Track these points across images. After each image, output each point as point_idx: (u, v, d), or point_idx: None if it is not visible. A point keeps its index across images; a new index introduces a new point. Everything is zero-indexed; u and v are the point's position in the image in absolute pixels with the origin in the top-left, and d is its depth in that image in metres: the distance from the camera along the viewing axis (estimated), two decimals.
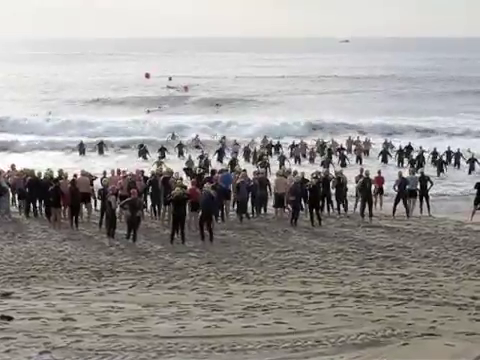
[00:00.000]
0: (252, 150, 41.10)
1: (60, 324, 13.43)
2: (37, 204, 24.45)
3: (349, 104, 71.45)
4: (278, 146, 43.52)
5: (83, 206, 23.69)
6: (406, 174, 26.02)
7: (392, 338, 12.81)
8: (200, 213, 21.30)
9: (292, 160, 39.91)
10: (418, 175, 25.72)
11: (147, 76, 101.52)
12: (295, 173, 25.12)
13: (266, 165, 33.01)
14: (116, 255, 19.36)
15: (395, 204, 24.72)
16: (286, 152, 41.80)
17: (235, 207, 24.32)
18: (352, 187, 25.90)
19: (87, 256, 19.17)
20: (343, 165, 37.64)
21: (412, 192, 24.98)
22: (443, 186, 32.57)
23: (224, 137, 46.34)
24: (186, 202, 21.09)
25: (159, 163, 31.17)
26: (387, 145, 42.67)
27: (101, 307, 14.50)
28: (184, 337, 12.79)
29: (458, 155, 39.40)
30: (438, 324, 13.42)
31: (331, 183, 24.87)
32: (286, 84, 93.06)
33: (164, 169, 25.80)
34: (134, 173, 25.05)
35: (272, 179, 25.60)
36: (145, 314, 14.08)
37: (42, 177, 24.43)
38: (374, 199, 25.30)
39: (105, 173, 25.14)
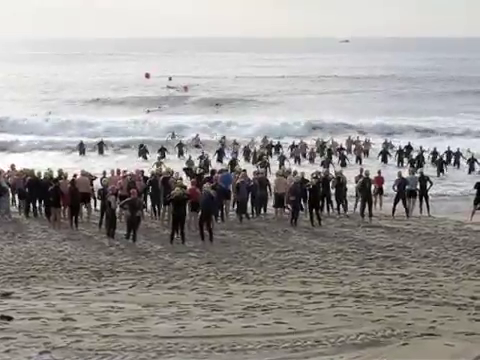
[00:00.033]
0: (252, 150, 41.12)
1: (60, 324, 13.43)
2: (37, 204, 24.45)
3: (349, 104, 71.49)
4: (278, 146, 43.54)
5: (83, 206, 23.69)
6: (406, 174, 26.02)
7: (392, 338, 12.81)
8: (200, 213, 21.31)
9: (292, 160, 39.93)
10: (418, 175, 25.72)
11: (147, 76, 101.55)
12: (295, 173, 25.13)
13: (266, 165, 33.04)
14: (116, 255, 19.36)
15: (394, 204, 24.72)
16: (286, 152, 41.82)
17: (235, 207, 24.33)
18: (352, 187, 25.90)
19: (87, 256, 19.17)
20: (343, 165, 37.67)
21: (412, 192, 24.98)
22: (443, 186, 32.58)
23: (224, 137, 46.38)
24: (186, 202, 21.09)
25: (159, 163, 31.19)
26: (387, 145, 42.70)
27: (101, 307, 14.50)
28: (184, 337, 12.79)
29: (458, 155, 39.44)
30: (438, 324, 13.42)
31: (331, 183, 24.88)
32: (286, 84, 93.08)
33: (164, 169, 25.80)
34: (134, 173, 25.07)
35: (272, 179, 25.59)
36: (145, 314, 14.08)
37: (42, 177, 24.44)
38: (374, 199, 25.30)
39: (105, 173, 25.15)
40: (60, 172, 24.58)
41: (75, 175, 23.85)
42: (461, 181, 33.96)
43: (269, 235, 21.87)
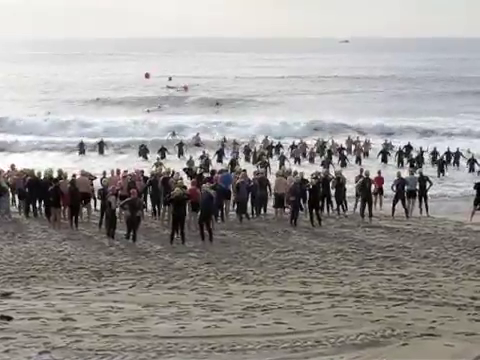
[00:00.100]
0: (252, 150, 41.15)
1: (60, 324, 13.44)
2: (37, 204, 24.45)
3: (349, 104, 71.50)
4: (278, 146, 43.53)
5: (83, 206, 23.69)
6: (405, 174, 26.02)
7: (392, 338, 12.81)
8: (199, 213, 21.31)
9: (292, 160, 39.93)
10: (417, 175, 25.71)
11: (147, 76, 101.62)
12: (295, 173, 25.14)
13: (266, 165, 33.03)
14: (116, 255, 19.36)
15: (394, 204, 24.73)
16: (286, 152, 41.82)
17: (235, 207, 24.32)
18: (351, 187, 25.91)
19: (87, 256, 19.17)
20: (343, 165, 37.68)
21: (411, 192, 24.98)
22: (443, 186, 32.59)
23: (225, 139, 46.35)
24: (186, 202, 21.10)
25: (158, 164, 31.18)
26: (387, 145, 42.69)
27: (101, 307, 14.50)
28: (184, 337, 12.79)
29: (458, 155, 39.46)
30: (437, 324, 13.43)
31: (331, 183, 24.88)
32: (286, 84, 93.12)
33: (163, 170, 25.79)
34: (134, 173, 25.07)
35: (272, 179, 25.59)
36: (145, 314, 14.09)
37: (42, 177, 24.44)
38: (374, 199, 25.30)
39: (105, 173, 25.15)
40: (60, 172, 24.58)
41: (74, 175, 23.85)
42: (461, 181, 33.95)
43: (269, 235, 21.87)
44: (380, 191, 26.06)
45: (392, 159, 40.03)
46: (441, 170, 36.32)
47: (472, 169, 37.23)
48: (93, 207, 24.40)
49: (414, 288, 15.94)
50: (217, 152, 40.65)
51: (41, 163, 34.40)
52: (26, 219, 24.24)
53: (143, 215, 22.24)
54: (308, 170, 29.60)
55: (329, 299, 15.14)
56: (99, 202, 23.27)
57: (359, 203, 24.73)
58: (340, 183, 24.95)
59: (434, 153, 39.45)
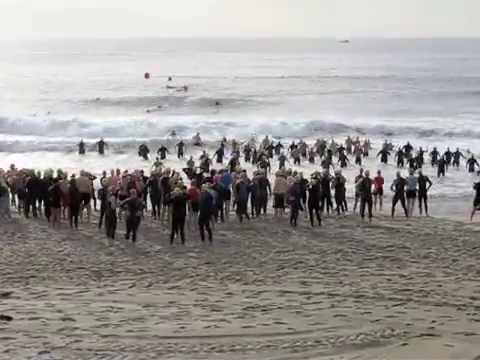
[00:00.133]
0: (252, 149, 41.16)
1: (59, 324, 13.44)
2: (37, 204, 24.45)
3: (349, 104, 71.49)
4: (279, 146, 43.54)
5: (83, 206, 23.68)
6: (405, 174, 26.02)
7: (391, 338, 12.81)
8: (199, 213, 21.31)
9: (292, 160, 39.93)
10: (417, 175, 25.71)
11: (147, 76, 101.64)
12: (295, 173, 25.14)
13: (265, 165, 33.03)
14: (116, 255, 19.36)
15: (393, 204, 24.73)
16: (286, 152, 41.83)
17: (235, 207, 24.32)
18: (351, 187, 25.91)
19: (87, 256, 19.17)
20: (343, 165, 37.68)
21: (411, 192, 24.98)
22: (443, 187, 32.61)
23: (225, 139, 46.36)
24: (186, 202, 21.11)
25: (158, 164, 31.19)
26: (387, 145, 42.70)
27: (101, 307, 14.50)
28: (184, 337, 12.79)
29: (457, 155, 39.48)
30: (437, 324, 13.43)
31: (330, 183, 24.88)
32: (286, 84, 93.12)
33: (163, 170, 25.77)
34: (134, 173, 25.07)
35: (272, 179, 25.59)
36: (145, 314, 14.08)
37: (42, 177, 24.43)
38: (374, 199, 25.29)
39: (105, 173, 25.16)
40: (60, 172, 24.58)
41: (73, 175, 23.85)
42: (461, 181, 33.96)
43: (269, 235, 21.87)
44: (380, 191, 26.05)
45: (392, 159, 40.05)
46: (441, 170, 36.34)
47: (472, 169, 37.26)
48: (93, 207, 24.40)
49: (414, 288, 15.94)
50: (217, 152, 40.68)
51: (41, 163, 34.38)
52: (26, 219, 24.24)
53: (143, 215, 22.23)
54: (308, 170, 29.62)
55: (329, 299, 15.14)
56: (99, 202, 23.27)
57: (359, 203, 24.74)
58: (340, 183, 24.96)
59: (434, 153, 39.47)
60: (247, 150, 41.35)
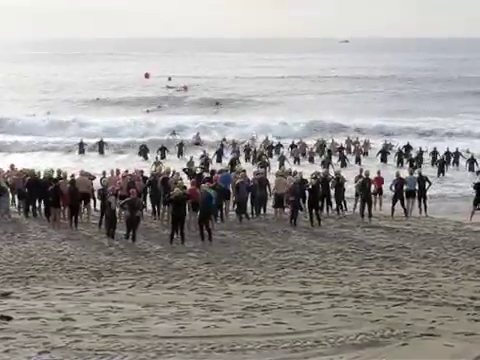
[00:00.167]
0: (252, 149, 41.17)
1: (59, 324, 13.44)
2: (36, 204, 24.45)
3: (349, 104, 71.47)
4: (279, 146, 43.54)
5: (83, 206, 23.68)
6: (405, 174, 26.02)
7: (391, 338, 12.81)
8: (198, 213, 21.32)
9: (291, 160, 39.94)
10: (416, 175, 25.72)
11: (146, 76, 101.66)
12: (294, 173, 25.14)
13: (265, 165, 33.03)
14: (115, 255, 19.36)
15: (393, 204, 24.74)
16: (286, 152, 41.84)
17: (235, 207, 24.32)
18: (351, 187, 25.91)
19: (86, 256, 19.17)
20: (343, 165, 37.68)
21: (411, 192, 24.99)
22: (443, 187, 32.61)
23: (224, 139, 46.37)
24: (186, 202, 21.11)
25: (157, 163, 31.21)
26: (387, 145, 42.70)
27: (100, 307, 14.50)
28: (183, 337, 12.79)
29: (457, 155, 39.49)
30: (437, 324, 13.43)
31: (330, 183, 24.89)
32: (285, 84, 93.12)
33: (163, 169, 25.77)
34: (133, 173, 25.07)
35: (272, 179, 25.59)
36: (144, 314, 14.08)
37: (41, 177, 24.44)
38: (373, 199, 25.29)
39: (105, 173, 25.16)
40: (59, 172, 24.58)
41: (72, 175, 23.86)
42: (460, 181, 33.96)
43: (269, 235, 21.87)
44: (380, 191, 26.06)
45: (392, 159, 40.05)
46: (441, 170, 36.36)
47: (472, 169, 37.26)
48: (93, 207, 24.40)
49: (414, 288, 15.94)
50: (216, 152, 40.70)
51: (41, 163, 34.38)
52: (25, 219, 24.24)
53: (143, 215, 22.23)
54: (308, 170, 29.61)
55: (329, 299, 15.14)
56: (99, 202, 23.27)
57: (359, 203, 24.74)
58: (339, 183, 24.96)
59: (434, 153, 39.47)
60: (247, 150, 41.36)
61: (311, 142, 44.17)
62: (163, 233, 21.95)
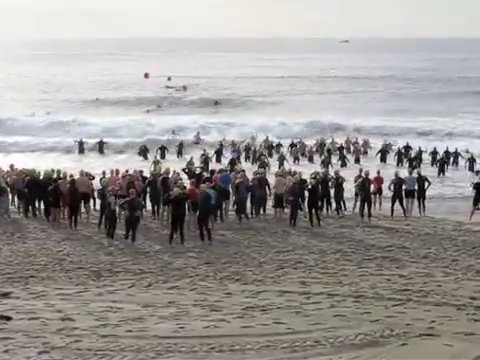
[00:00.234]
0: (252, 148, 41.16)
1: (59, 324, 13.44)
2: (36, 204, 24.45)
3: (348, 104, 71.45)
4: (279, 145, 43.53)
5: (82, 206, 23.68)
6: (404, 174, 26.02)
7: (391, 338, 12.82)
8: (197, 213, 21.32)
9: (291, 160, 39.94)
10: (415, 175, 25.71)
11: (146, 76, 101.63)
12: (294, 173, 25.14)
13: (264, 165, 33.03)
14: (115, 255, 19.36)
15: (392, 204, 24.74)
16: (286, 152, 41.84)
17: (234, 207, 24.32)
18: (350, 187, 25.91)
19: (86, 256, 19.17)
20: (343, 165, 37.67)
21: (410, 192, 24.99)
22: (443, 186, 32.61)
23: (224, 139, 46.34)
24: (185, 202, 21.11)
25: (156, 163, 31.21)
26: (386, 145, 42.68)
27: (100, 307, 14.50)
28: (183, 337, 12.79)
29: (456, 155, 39.49)
30: (437, 324, 13.43)
31: (330, 183, 24.89)
32: (285, 84, 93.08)
33: (163, 169, 25.75)
34: (133, 173, 25.08)
35: (272, 179, 25.58)
36: (144, 314, 14.09)
37: (41, 177, 24.44)
38: (373, 199, 25.29)
39: (104, 173, 25.16)
40: (59, 172, 24.58)
41: (72, 175, 23.86)
42: (460, 181, 33.95)
43: (268, 235, 21.87)
44: (379, 191, 26.05)
45: (391, 159, 40.05)
46: (441, 170, 36.37)
47: (471, 168, 37.26)
48: (92, 207, 24.40)
49: (413, 288, 15.94)
50: (215, 152, 40.71)
51: (40, 163, 34.37)
52: (25, 219, 24.25)
53: (142, 215, 22.23)
54: (307, 170, 29.61)
55: (328, 299, 15.14)
56: (98, 202, 23.28)
57: (358, 203, 24.74)
58: (339, 183, 24.96)
59: (434, 153, 39.47)
60: (247, 149, 41.35)
61: (310, 142, 44.15)
62: (163, 233, 21.96)
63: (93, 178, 24.97)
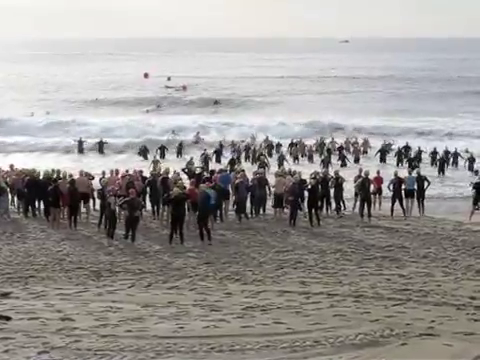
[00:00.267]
0: (252, 149, 41.16)
1: (59, 324, 13.44)
2: (36, 204, 24.45)
3: (348, 104, 71.47)
4: (278, 145, 43.52)
5: (82, 206, 23.68)
6: (404, 174, 26.02)
7: (391, 338, 12.81)
8: (197, 213, 21.31)
9: (291, 159, 39.94)
10: (415, 175, 25.71)
11: (146, 76, 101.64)
12: (294, 173, 25.14)
13: (264, 165, 33.02)
14: (115, 255, 19.36)
15: (392, 204, 24.74)
16: (285, 151, 41.84)
17: (234, 207, 24.32)
18: (349, 187, 25.90)
19: (86, 256, 19.17)
20: (343, 165, 37.67)
21: (409, 192, 24.99)
22: (443, 186, 32.61)
23: (224, 139, 46.35)
24: (185, 202, 21.11)
25: (156, 162, 31.20)
26: (386, 145, 42.68)
27: (100, 307, 14.50)
28: (183, 337, 12.79)
29: (456, 155, 39.50)
30: (436, 324, 13.43)
31: (330, 183, 24.88)
32: (285, 84, 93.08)
33: (162, 169, 25.74)
34: (132, 173, 25.08)
35: (271, 179, 25.58)
36: (144, 314, 14.08)
37: (41, 177, 24.43)
38: (373, 199, 25.28)
39: (104, 173, 25.16)
40: (59, 172, 24.58)
41: (71, 175, 23.85)
42: (460, 181, 33.95)
43: (268, 235, 21.86)
44: (379, 191, 26.05)
45: (391, 159, 40.04)
46: (441, 170, 36.37)
47: (471, 168, 37.27)
48: (92, 207, 24.39)
49: (413, 288, 15.94)
50: (215, 152, 40.72)
51: (40, 163, 34.37)
52: (25, 219, 24.24)
53: (142, 215, 22.22)
54: (307, 169, 29.62)
55: (328, 299, 15.14)
56: (98, 202, 23.27)
57: (358, 203, 24.73)
58: (339, 183, 24.95)
59: (434, 153, 39.47)
60: (247, 149, 41.35)
61: (310, 142, 44.14)
62: (162, 233, 21.95)
63: (93, 178, 24.98)
